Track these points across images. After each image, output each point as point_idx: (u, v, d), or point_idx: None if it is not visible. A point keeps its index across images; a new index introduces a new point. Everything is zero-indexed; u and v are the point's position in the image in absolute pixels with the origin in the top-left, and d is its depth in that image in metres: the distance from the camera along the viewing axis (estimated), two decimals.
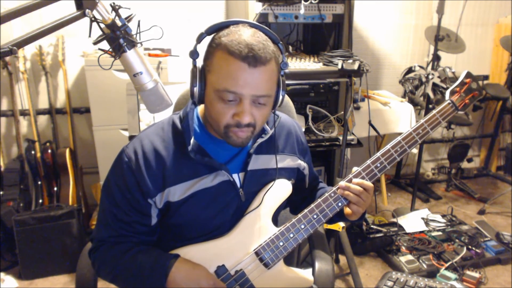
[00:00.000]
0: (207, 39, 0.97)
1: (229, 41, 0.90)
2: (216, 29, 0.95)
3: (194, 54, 0.95)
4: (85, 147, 2.85)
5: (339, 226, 2.06)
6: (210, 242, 1.04)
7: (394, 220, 2.77)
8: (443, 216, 2.88)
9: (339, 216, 1.12)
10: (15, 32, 2.52)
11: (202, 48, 0.96)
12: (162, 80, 1.30)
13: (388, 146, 1.09)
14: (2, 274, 2.30)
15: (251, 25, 0.95)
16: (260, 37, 0.92)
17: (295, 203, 1.28)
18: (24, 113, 2.67)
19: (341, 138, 2.14)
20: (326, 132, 2.24)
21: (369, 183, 1.06)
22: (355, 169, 1.10)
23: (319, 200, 1.07)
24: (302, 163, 1.19)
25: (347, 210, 1.09)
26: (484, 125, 3.82)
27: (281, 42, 0.97)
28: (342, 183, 1.07)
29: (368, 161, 1.09)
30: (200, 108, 1.07)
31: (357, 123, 2.20)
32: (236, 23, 0.95)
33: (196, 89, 0.95)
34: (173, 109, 1.31)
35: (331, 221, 1.14)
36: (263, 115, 0.97)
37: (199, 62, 0.97)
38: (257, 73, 0.90)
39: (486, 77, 3.65)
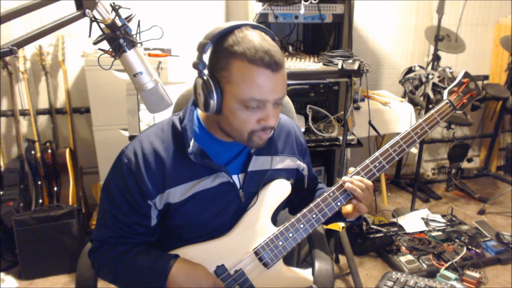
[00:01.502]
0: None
1: (245, 49, 0.89)
2: (219, 36, 0.92)
3: (201, 65, 0.93)
4: (85, 147, 2.85)
5: (339, 226, 2.06)
6: (209, 242, 1.05)
7: (394, 220, 2.77)
8: (443, 216, 2.88)
9: (338, 216, 1.12)
10: (15, 32, 2.52)
11: (205, 57, 0.93)
12: (162, 80, 1.30)
13: (387, 146, 1.10)
14: (2, 274, 2.30)
15: (252, 27, 0.94)
16: (269, 40, 0.93)
17: (294, 204, 1.28)
18: (24, 113, 2.67)
19: (341, 138, 2.14)
20: (326, 132, 2.24)
21: (369, 181, 1.06)
22: (352, 170, 1.10)
23: (318, 200, 1.08)
24: (301, 164, 1.19)
25: (347, 210, 1.09)
26: (484, 125, 3.82)
27: (276, 39, 0.98)
28: (346, 177, 1.07)
29: (367, 161, 1.09)
30: (201, 110, 1.07)
31: (357, 123, 2.21)
32: (238, 27, 0.93)
33: (213, 102, 0.93)
34: (173, 109, 1.31)
35: (329, 221, 1.14)
36: (279, 113, 1.01)
37: (205, 72, 0.94)
38: (278, 77, 0.92)
39: (486, 77, 3.65)
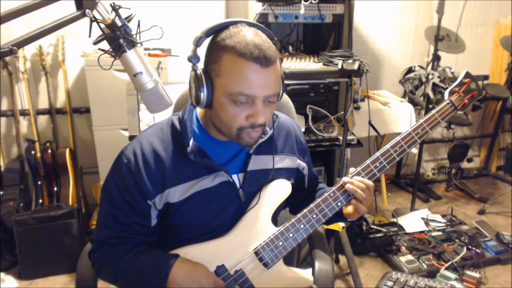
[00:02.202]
0: (206, 42, 0.96)
1: (236, 43, 0.89)
2: (214, 31, 0.94)
3: (194, 58, 0.94)
4: (85, 147, 2.85)
5: (339, 226, 2.06)
6: (209, 242, 1.04)
7: (394, 220, 2.77)
8: (443, 216, 2.88)
9: (338, 216, 1.12)
10: (15, 32, 2.52)
11: (201, 52, 0.94)
12: (162, 80, 1.30)
13: (388, 146, 1.09)
14: (2, 274, 2.30)
15: (249, 24, 0.95)
16: (263, 36, 0.93)
17: (294, 203, 1.28)
18: (24, 113, 2.67)
19: (341, 138, 2.14)
20: (326, 132, 2.24)
21: (369, 182, 1.06)
22: (352, 170, 1.09)
23: (319, 200, 1.07)
24: (301, 163, 1.19)
25: (347, 210, 1.09)
26: (484, 125, 3.82)
27: (275, 38, 0.98)
28: (346, 178, 1.07)
29: (368, 161, 1.09)
30: (200, 110, 1.07)
31: (357, 123, 2.20)
32: (234, 23, 0.94)
33: (203, 95, 0.93)
34: (173, 109, 1.31)
35: (330, 221, 1.14)
36: (271, 112, 0.99)
37: (200, 66, 0.95)
38: (268, 73, 0.91)
39: (486, 77, 3.65)
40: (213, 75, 0.93)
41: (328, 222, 1.13)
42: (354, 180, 1.05)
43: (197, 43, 0.93)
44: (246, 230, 1.06)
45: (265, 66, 0.90)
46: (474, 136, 3.82)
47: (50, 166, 2.63)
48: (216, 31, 0.94)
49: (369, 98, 2.46)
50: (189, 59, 0.94)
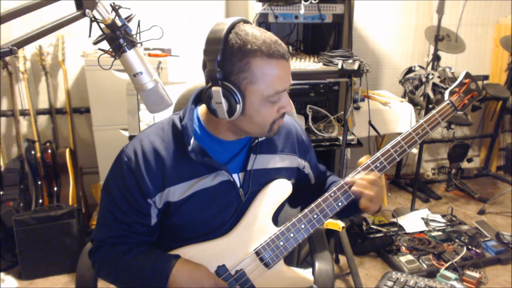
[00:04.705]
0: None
1: (258, 45, 0.89)
2: (224, 40, 0.89)
3: (219, 74, 0.90)
4: (85, 147, 2.85)
5: (339, 226, 2.06)
6: (210, 242, 1.04)
7: (394, 220, 2.77)
8: (443, 216, 2.88)
9: (355, 209, 1.09)
10: (15, 32, 2.52)
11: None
12: (162, 80, 1.30)
13: (388, 146, 1.09)
14: (2, 274, 2.30)
15: (244, 21, 0.95)
16: (265, 30, 0.94)
17: (305, 200, 1.26)
18: (24, 113, 2.67)
19: (341, 138, 2.14)
20: (326, 132, 2.24)
21: (370, 177, 1.04)
22: (362, 159, 1.09)
23: (319, 200, 1.07)
24: (301, 162, 1.19)
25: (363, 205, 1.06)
26: (484, 125, 3.82)
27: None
28: (348, 179, 1.06)
29: (368, 161, 1.09)
30: (201, 109, 1.07)
31: (357, 123, 2.21)
32: (232, 27, 0.91)
33: (239, 106, 0.92)
34: (173, 109, 1.31)
35: (345, 213, 1.12)
36: None
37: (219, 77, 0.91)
38: (289, 64, 0.96)
39: (486, 77, 3.65)
40: (244, 83, 0.92)
41: (344, 214, 1.13)
42: (357, 180, 1.05)
43: (216, 57, 0.89)
44: (246, 230, 1.06)
45: (288, 59, 0.94)
46: (474, 136, 3.82)
47: (50, 166, 2.62)
48: (225, 40, 0.90)
49: (369, 98, 2.46)
50: (213, 77, 0.90)
